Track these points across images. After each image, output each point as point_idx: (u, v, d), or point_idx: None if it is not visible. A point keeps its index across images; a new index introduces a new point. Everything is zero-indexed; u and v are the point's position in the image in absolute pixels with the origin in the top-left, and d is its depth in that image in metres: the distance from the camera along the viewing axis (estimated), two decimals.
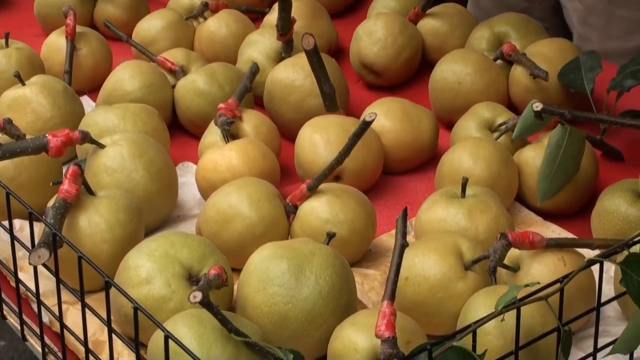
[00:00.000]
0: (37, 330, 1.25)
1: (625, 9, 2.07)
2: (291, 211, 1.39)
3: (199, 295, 0.97)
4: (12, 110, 1.63)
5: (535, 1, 2.25)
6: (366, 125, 1.37)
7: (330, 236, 1.28)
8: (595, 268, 1.03)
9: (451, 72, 1.70)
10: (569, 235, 1.38)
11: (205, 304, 0.98)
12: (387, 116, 1.59)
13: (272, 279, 1.17)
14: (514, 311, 0.97)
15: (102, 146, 1.46)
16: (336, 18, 2.05)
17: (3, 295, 1.40)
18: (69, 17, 1.84)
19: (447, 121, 1.65)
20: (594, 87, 1.57)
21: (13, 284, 1.33)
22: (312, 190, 1.36)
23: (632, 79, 1.54)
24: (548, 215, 1.47)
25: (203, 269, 1.20)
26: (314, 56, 1.59)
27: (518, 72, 1.68)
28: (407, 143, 1.58)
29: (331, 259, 1.21)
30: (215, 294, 1.08)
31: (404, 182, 1.61)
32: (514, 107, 1.61)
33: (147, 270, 1.19)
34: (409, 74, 1.86)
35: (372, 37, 1.83)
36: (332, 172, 1.39)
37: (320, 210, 1.36)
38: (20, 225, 1.32)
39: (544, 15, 2.14)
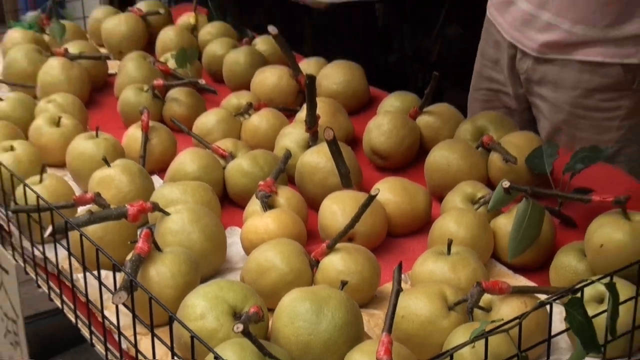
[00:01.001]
0: (118, 355, 1.30)
1: (587, 132, 2.04)
2: (314, 264, 1.40)
3: (241, 327, 1.02)
4: (100, 186, 1.64)
5: (515, 114, 2.18)
6: (372, 198, 1.40)
7: (344, 284, 1.30)
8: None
9: (442, 157, 1.71)
10: (532, 284, 1.39)
11: (246, 334, 1.03)
12: (390, 191, 1.60)
13: (298, 315, 1.18)
14: (485, 340, 1.00)
15: (167, 214, 1.48)
16: (353, 115, 2.05)
17: (92, 328, 1.42)
18: (144, 114, 1.89)
19: (438, 195, 1.65)
20: (553, 169, 1.58)
21: (100, 319, 1.35)
22: (331, 249, 1.38)
23: (581, 164, 1.56)
24: (517, 269, 1.47)
25: (245, 308, 1.20)
26: (333, 145, 1.61)
27: (494, 158, 1.68)
28: (407, 212, 1.59)
29: (344, 301, 1.23)
30: (254, 327, 1.11)
31: (404, 243, 1.61)
32: (492, 185, 1.59)
33: (202, 308, 1.21)
34: (409, 159, 1.86)
35: (380, 130, 1.83)
36: (347, 235, 1.40)
37: (337, 264, 1.37)
38: (106, 274, 1.31)
39: (521, 126, 2.05)
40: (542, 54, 2.04)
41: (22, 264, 1.67)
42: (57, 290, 1.55)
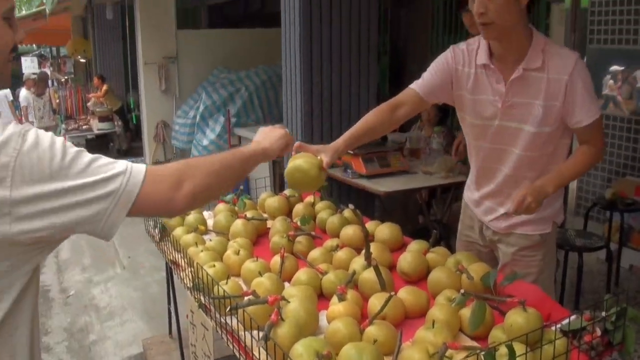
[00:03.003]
0: None
1: (520, 267, 1.97)
2: (362, 331, 1.41)
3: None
4: (256, 286, 1.66)
5: (483, 254, 2.11)
6: (391, 297, 1.47)
7: (375, 340, 1.34)
8: None
9: (436, 276, 1.70)
10: (478, 345, 1.38)
11: None
12: (408, 293, 1.63)
13: (350, 357, 1.26)
14: None
15: (288, 302, 1.50)
16: (393, 251, 1.98)
17: None
18: (282, 250, 1.90)
19: (434, 295, 1.65)
20: (495, 284, 1.58)
21: (251, 355, 1.41)
22: (371, 322, 1.42)
23: (507, 282, 1.55)
24: (472, 337, 1.47)
25: (323, 352, 1.26)
26: (377, 269, 1.67)
27: (464, 277, 1.64)
28: (415, 305, 1.60)
29: (375, 351, 1.27)
30: None
31: (412, 322, 1.56)
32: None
33: (300, 351, 1.27)
34: (421, 276, 1.81)
35: (406, 261, 1.83)
36: (380, 314, 1.46)
37: (374, 331, 1.41)
38: (257, 333, 1.38)
39: (487, 261, 1.94)
40: (499, 229, 2.04)
41: (216, 326, 1.68)
42: (232, 341, 1.57)
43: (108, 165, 0.96)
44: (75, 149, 0.96)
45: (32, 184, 0.89)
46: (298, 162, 1.72)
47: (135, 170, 0.99)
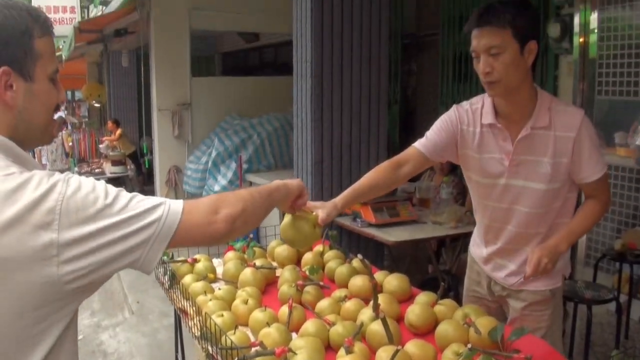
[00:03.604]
0: None
1: (530, 322, 1.96)
2: None
3: None
4: (263, 337, 1.65)
5: (492, 310, 2.11)
6: (397, 351, 1.47)
7: None
8: None
9: (444, 329, 1.70)
10: None
11: None
12: (415, 346, 1.61)
13: None
14: None
15: (296, 354, 1.50)
16: (402, 302, 1.98)
17: None
18: (290, 300, 1.88)
19: (442, 349, 1.63)
20: (502, 338, 1.55)
21: None
22: None
23: (515, 337, 1.53)
24: None
25: None
26: (384, 321, 1.66)
27: (471, 330, 1.63)
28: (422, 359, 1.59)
29: None
30: None
31: None
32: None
33: None
34: (429, 328, 1.80)
35: (414, 313, 1.81)
36: None
37: None
38: None
39: (495, 315, 1.96)
40: (509, 285, 2.02)
41: None
42: None
43: (147, 200, 1.04)
44: (116, 189, 1.03)
45: (78, 226, 0.95)
46: (292, 219, 1.73)
47: (173, 202, 1.07)
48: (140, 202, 1.03)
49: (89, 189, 0.99)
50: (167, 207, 1.04)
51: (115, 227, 0.98)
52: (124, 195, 1.02)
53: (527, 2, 1.80)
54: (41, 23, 1.05)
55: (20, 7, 1.03)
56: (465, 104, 1.98)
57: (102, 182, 1.04)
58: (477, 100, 1.95)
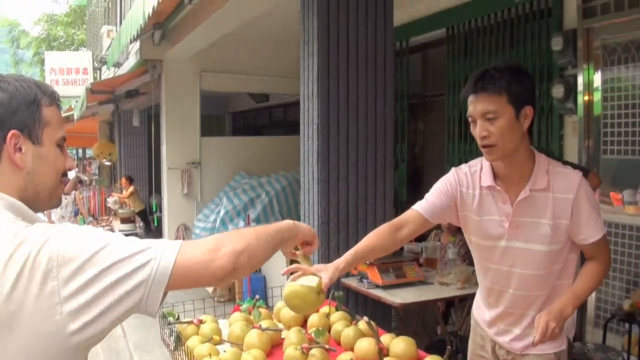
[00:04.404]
0: None
1: None
2: None
3: None
4: None
5: None
6: None
7: None
8: None
9: None
10: None
11: None
12: None
13: None
14: None
15: None
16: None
17: None
18: None
19: None
20: None
21: None
22: None
23: None
24: None
25: None
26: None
27: None
28: None
29: None
30: None
31: None
32: None
33: None
34: None
35: None
36: None
37: None
38: None
39: None
40: (514, 350, 2.00)
41: None
42: None
43: (143, 242, 1.06)
44: (110, 232, 1.06)
45: (76, 273, 0.97)
46: (296, 287, 1.72)
47: (172, 241, 1.09)
48: (136, 243, 1.05)
49: (85, 235, 1.02)
50: (163, 245, 1.06)
51: (114, 268, 0.99)
52: (119, 237, 1.05)
53: (522, 68, 1.84)
54: (49, 94, 1.13)
55: (29, 80, 1.12)
56: (464, 167, 2.00)
57: (100, 228, 1.07)
58: (475, 163, 1.98)
